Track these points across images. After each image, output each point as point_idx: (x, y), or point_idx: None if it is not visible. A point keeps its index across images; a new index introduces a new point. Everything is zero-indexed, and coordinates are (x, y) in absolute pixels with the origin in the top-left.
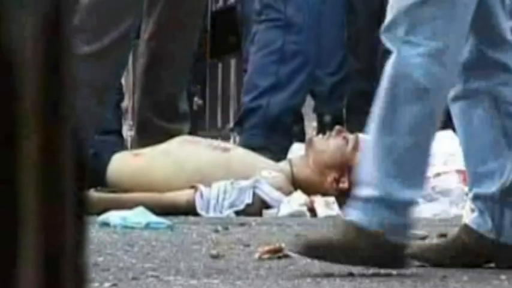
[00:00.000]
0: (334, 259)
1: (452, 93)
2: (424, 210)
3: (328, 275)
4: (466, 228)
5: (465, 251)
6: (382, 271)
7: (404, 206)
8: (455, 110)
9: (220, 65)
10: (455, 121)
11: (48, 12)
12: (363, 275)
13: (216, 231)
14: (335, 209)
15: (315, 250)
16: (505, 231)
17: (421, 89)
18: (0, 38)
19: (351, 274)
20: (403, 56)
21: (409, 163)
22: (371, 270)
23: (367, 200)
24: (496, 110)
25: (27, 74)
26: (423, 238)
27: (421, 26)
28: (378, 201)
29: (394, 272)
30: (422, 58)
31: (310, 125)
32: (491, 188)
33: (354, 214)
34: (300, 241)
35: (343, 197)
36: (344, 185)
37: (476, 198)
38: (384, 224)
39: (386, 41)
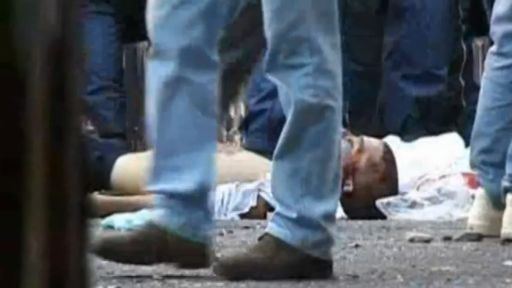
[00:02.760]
0: (255, 276)
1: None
2: (428, 213)
3: (332, 278)
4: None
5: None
6: (387, 274)
7: (319, 221)
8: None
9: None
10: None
11: (56, 40)
12: (367, 277)
13: (221, 234)
14: (339, 212)
15: (235, 270)
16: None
17: (318, 108)
18: (9, 64)
19: (355, 277)
20: (289, 82)
21: (315, 177)
22: (375, 273)
23: (286, 217)
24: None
25: (34, 100)
26: (428, 241)
27: (300, 46)
28: (294, 221)
29: (399, 275)
30: (308, 77)
31: None
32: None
33: (277, 230)
34: (218, 262)
35: (347, 199)
36: (349, 187)
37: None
38: (305, 240)
39: (270, 75)
